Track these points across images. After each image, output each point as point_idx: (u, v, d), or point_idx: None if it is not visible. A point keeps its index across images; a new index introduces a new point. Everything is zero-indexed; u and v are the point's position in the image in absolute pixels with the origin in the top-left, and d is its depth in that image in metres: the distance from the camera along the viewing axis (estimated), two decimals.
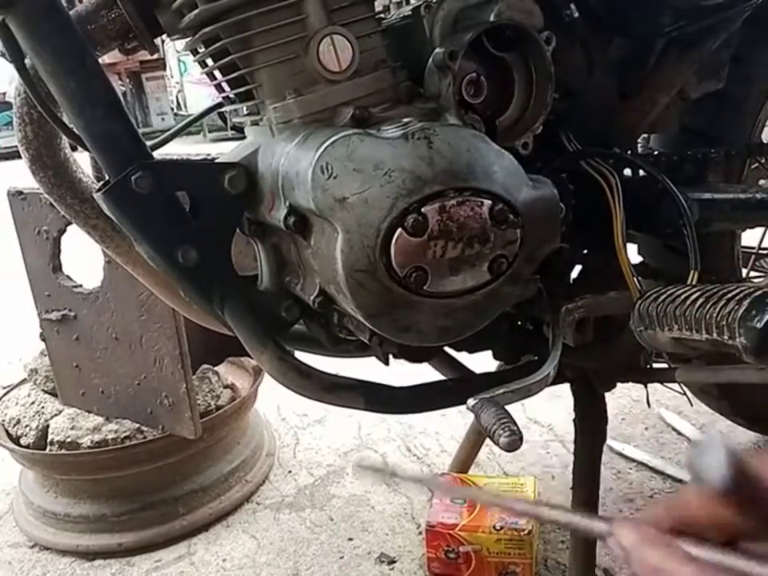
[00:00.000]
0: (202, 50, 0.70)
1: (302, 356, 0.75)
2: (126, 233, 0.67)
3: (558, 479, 1.32)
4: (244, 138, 0.73)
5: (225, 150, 0.74)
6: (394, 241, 0.57)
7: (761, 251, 1.16)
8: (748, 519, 0.32)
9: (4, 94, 7.72)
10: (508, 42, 0.67)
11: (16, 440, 1.33)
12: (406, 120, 0.61)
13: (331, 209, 0.57)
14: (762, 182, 1.02)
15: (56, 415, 1.33)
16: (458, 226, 0.58)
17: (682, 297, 0.60)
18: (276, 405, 1.71)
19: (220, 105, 0.80)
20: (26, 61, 0.66)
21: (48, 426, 1.31)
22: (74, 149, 0.75)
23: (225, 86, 0.72)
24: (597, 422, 0.94)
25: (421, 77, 0.67)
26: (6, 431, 1.35)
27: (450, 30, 0.66)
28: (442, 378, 0.86)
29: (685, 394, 1.13)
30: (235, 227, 0.69)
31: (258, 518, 1.31)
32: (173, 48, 7.13)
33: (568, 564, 0.97)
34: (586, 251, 0.83)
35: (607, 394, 0.94)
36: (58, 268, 1.25)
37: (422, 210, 0.57)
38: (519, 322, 0.82)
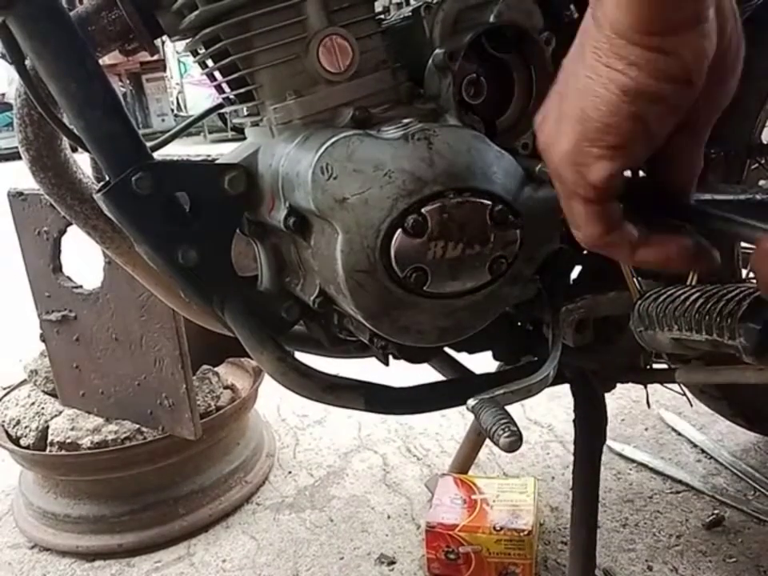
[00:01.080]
0: (202, 50, 0.70)
1: (301, 356, 0.75)
2: (126, 233, 0.67)
3: (557, 480, 1.32)
4: (244, 139, 0.74)
5: (225, 151, 0.74)
6: (393, 241, 0.57)
7: None
8: None
9: (3, 95, 7.74)
10: (508, 43, 0.67)
11: (16, 441, 1.33)
12: (406, 121, 0.61)
13: (331, 209, 0.57)
14: (761, 182, 1.02)
15: (56, 416, 1.33)
16: (457, 227, 0.58)
17: (682, 297, 0.60)
18: (276, 405, 1.71)
19: (220, 106, 0.80)
20: (27, 62, 0.66)
21: (48, 427, 1.31)
22: (74, 150, 0.75)
23: (225, 86, 0.72)
24: (597, 423, 0.94)
25: (421, 77, 0.67)
26: (6, 432, 1.35)
27: (450, 31, 0.66)
28: (442, 378, 0.86)
29: (684, 394, 1.13)
30: (235, 228, 0.69)
31: (257, 518, 1.31)
32: (173, 49, 7.14)
33: (568, 565, 0.97)
34: (585, 251, 0.83)
35: (607, 395, 0.94)
36: (58, 269, 1.25)
37: (422, 210, 0.57)
38: (519, 323, 0.82)
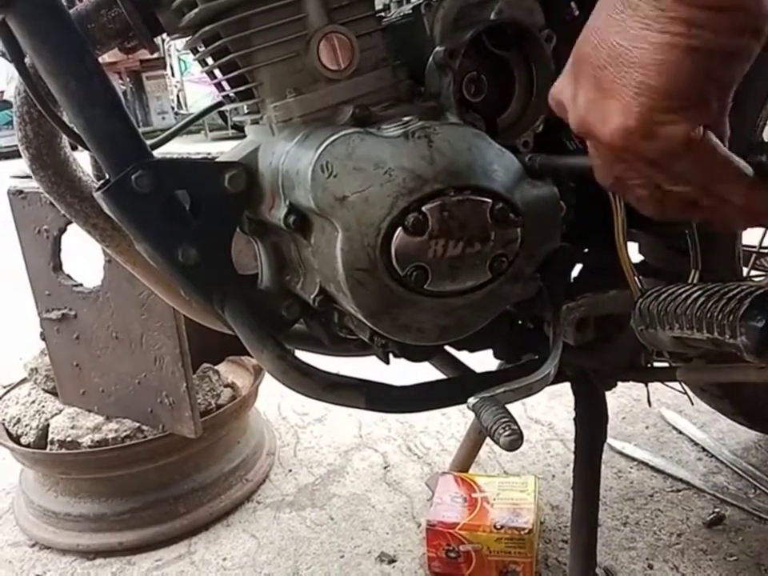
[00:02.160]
0: (202, 48, 0.70)
1: (302, 355, 0.75)
2: (126, 232, 0.67)
3: (558, 478, 1.32)
4: (245, 137, 0.73)
5: (226, 150, 0.74)
6: (394, 239, 0.57)
7: (762, 250, 1.16)
8: None
9: (3, 92, 7.73)
10: (508, 41, 0.67)
11: (16, 439, 1.33)
12: (406, 119, 0.61)
13: (331, 207, 0.57)
14: None
15: (56, 414, 1.33)
16: (458, 225, 0.58)
17: (683, 296, 0.60)
18: (276, 404, 1.71)
19: (220, 104, 0.80)
20: (26, 60, 0.66)
21: (48, 425, 1.31)
22: (74, 148, 0.75)
23: (225, 84, 0.72)
24: (597, 421, 0.94)
25: (421, 75, 0.67)
26: (7, 430, 1.35)
27: (451, 29, 0.66)
28: (443, 376, 0.86)
29: (685, 392, 1.13)
30: (235, 226, 0.69)
31: (258, 517, 1.31)
32: (173, 47, 7.13)
33: (568, 563, 0.96)
34: (586, 250, 0.83)
35: (608, 393, 0.94)
36: (58, 267, 1.25)
37: (423, 208, 0.56)
38: (520, 321, 0.82)
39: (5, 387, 1.50)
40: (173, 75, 7.80)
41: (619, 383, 0.96)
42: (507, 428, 0.54)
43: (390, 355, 0.72)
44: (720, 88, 0.39)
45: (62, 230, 1.20)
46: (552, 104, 0.47)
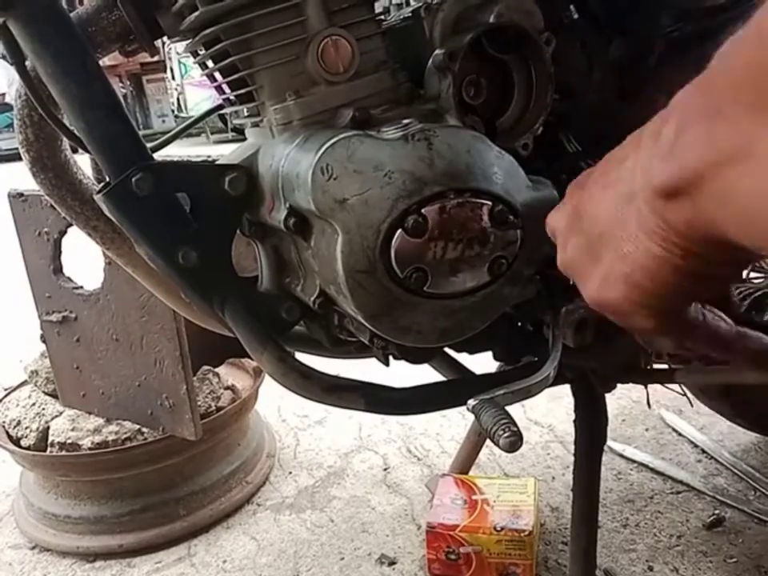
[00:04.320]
0: (202, 51, 0.70)
1: (302, 357, 0.75)
2: (127, 234, 0.67)
3: (558, 480, 1.32)
4: (245, 139, 0.74)
5: (227, 152, 0.74)
6: (394, 242, 0.57)
7: None
8: None
9: (4, 95, 7.75)
10: (508, 44, 0.67)
11: (17, 441, 1.33)
12: (406, 121, 0.61)
13: (331, 210, 0.57)
14: None
15: (56, 417, 1.33)
16: (458, 227, 0.58)
17: None
18: (276, 406, 1.71)
19: (220, 106, 0.81)
20: (27, 63, 0.66)
21: (48, 428, 1.31)
22: (74, 151, 0.75)
23: (225, 87, 0.72)
24: (597, 423, 0.94)
25: (421, 78, 0.67)
26: (7, 433, 1.35)
27: (450, 32, 0.66)
28: (443, 378, 0.86)
29: (685, 394, 1.13)
30: (235, 228, 0.69)
31: (258, 519, 1.31)
32: (173, 50, 7.14)
33: (568, 565, 0.97)
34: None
35: (607, 395, 0.94)
36: (58, 269, 1.25)
37: (422, 211, 0.57)
38: (519, 323, 0.82)
39: (5, 390, 1.50)
40: (173, 78, 7.82)
41: (619, 385, 0.96)
42: (507, 430, 0.54)
43: (390, 357, 0.72)
44: (695, 298, 0.40)
45: (63, 233, 1.21)
46: (547, 229, 0.47)
